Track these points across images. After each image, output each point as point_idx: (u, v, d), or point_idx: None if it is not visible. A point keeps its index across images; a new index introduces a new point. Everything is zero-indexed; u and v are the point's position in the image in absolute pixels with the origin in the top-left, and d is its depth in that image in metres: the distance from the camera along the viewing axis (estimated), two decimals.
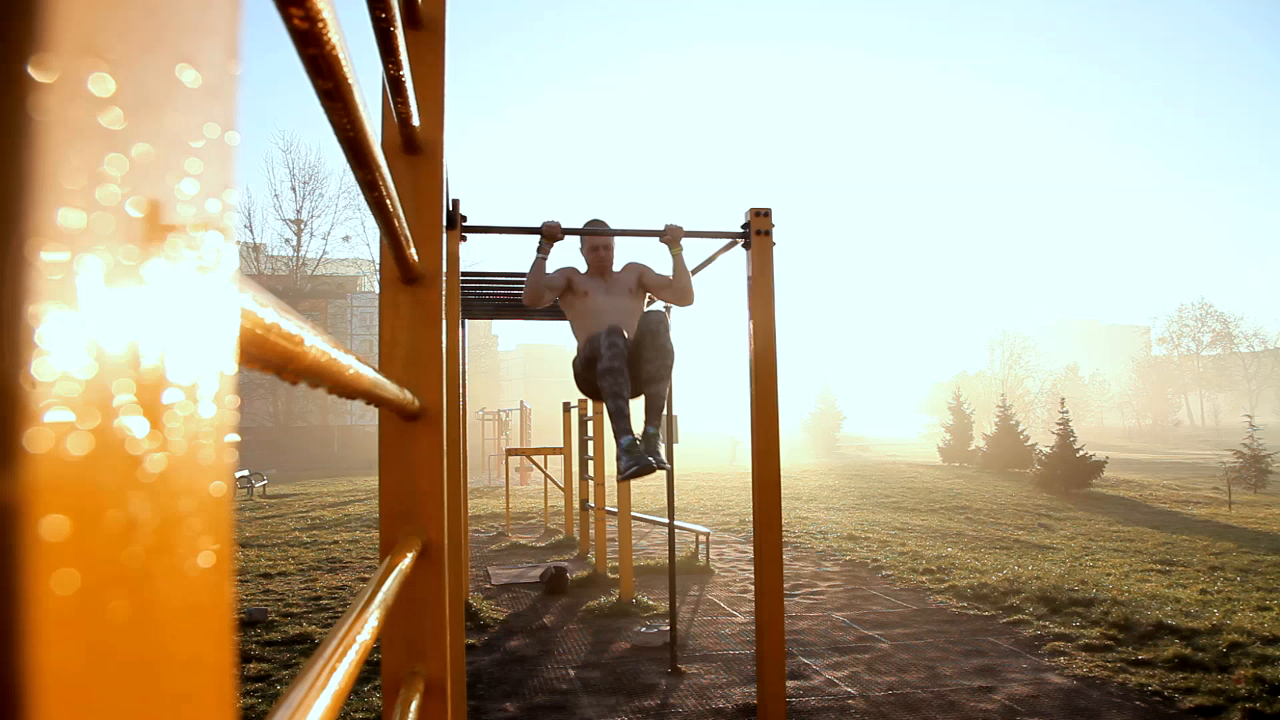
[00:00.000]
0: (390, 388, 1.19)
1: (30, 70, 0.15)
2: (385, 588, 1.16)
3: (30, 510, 0.15)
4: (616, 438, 4.65)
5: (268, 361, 0.53)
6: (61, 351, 0.16)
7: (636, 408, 4.74)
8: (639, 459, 4.55)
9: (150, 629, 0.19)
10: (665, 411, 5.06)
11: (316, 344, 0.64)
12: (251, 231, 48.01)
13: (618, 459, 4.69)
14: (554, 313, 8.34)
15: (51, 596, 0.16)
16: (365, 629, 0.95)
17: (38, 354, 0.16)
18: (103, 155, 0.17)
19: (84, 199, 0.17)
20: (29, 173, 0.16)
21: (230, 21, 0.24)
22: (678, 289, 4.72)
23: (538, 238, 4.52)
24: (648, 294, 5.00)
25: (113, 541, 0.18)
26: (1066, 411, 25.16)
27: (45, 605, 0.16)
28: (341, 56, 0.74)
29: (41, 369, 0.16)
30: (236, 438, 0.26)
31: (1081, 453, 23.59)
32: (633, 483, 12.78)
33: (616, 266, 4.96)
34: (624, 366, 4.50)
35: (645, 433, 4.68)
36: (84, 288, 0.17)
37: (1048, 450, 24.42)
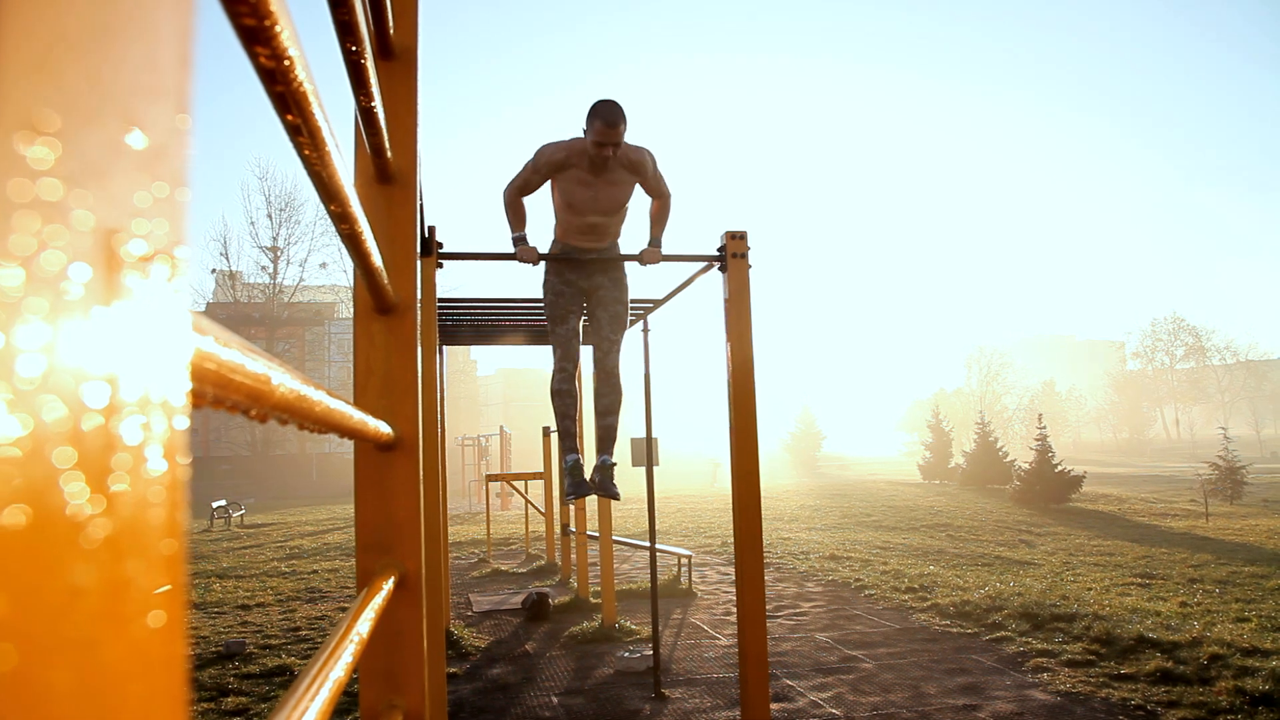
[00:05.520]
0: (363, 419, 1.18)
1: None
2: (361, 621, 1.14)
3: None
4: (562, 455, 5.01)
5: (234, 403, 0.53)
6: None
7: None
8: (579, 483, 4.89)
9: (98, 697, 0.19)
10: (647, 437, 5.72)
11: (284, 382, 0.63)
12: (228, 259, 47.79)
13: (562, 478, 5.09)
14: (535, 335, 8.33)
15: None
16: (339, 664, 0.94)
17: None
18: (42, 225, 0.17)
19: (23, 269, 0.17)
20: None
21: (180, 79, 0.24)
22: (660, 209, 4.73)
23: (515, 241, 4.59)
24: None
25: (56, 612, 0.18)
26: (1044, 427, 25.35)
27: None
28: (309, 92, 0.73)
29: None
30: (188, 499, 0.25)
31: (1060, 468, 23.75)
32: (614, 507, 12.77)
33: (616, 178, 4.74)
34: (573, 388, 4.85)
35: (602, 463, 4.93)
36: (20, 354, 0.17)
37: (1027, 466, 24.54)
